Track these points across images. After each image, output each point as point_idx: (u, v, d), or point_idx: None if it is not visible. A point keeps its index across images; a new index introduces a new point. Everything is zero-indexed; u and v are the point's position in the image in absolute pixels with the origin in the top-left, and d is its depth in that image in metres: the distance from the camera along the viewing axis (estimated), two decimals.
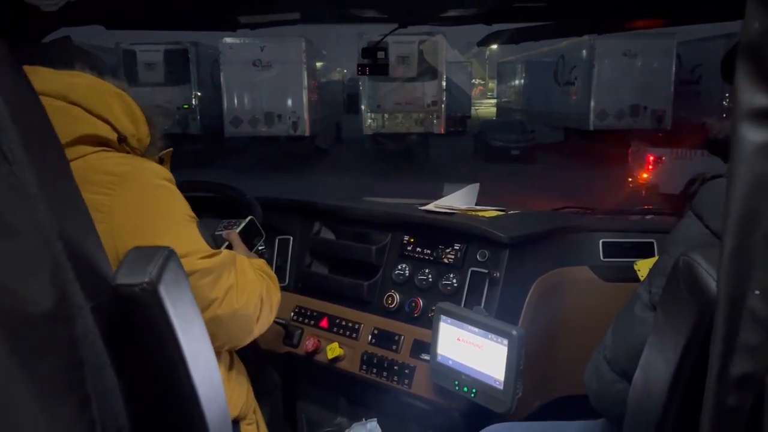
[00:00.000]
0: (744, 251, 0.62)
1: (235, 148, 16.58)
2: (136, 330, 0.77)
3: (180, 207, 1.19)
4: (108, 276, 0.73)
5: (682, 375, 0.78)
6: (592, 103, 15.75)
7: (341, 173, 13.04)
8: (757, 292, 0.62)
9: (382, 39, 2.25)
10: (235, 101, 15.69)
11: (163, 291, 0.76)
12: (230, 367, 1.39)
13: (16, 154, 0.53)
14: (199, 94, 16.16)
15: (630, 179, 11.06)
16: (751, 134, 0.61)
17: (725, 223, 0.63)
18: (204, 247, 1.19)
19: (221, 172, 12.42)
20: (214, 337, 1.13)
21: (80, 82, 1.15)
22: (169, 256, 0.79)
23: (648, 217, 2.60)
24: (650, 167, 10.43)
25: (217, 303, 1.17)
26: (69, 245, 0.58)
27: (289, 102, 15.69)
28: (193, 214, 1.23)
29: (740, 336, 0.63)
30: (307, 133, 15.96)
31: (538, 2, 1.72)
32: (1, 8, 1.00)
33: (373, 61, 2.20)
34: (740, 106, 0.61)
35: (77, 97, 1.11)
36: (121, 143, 1.20)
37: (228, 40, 15.08)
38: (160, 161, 1.30)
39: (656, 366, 0.85)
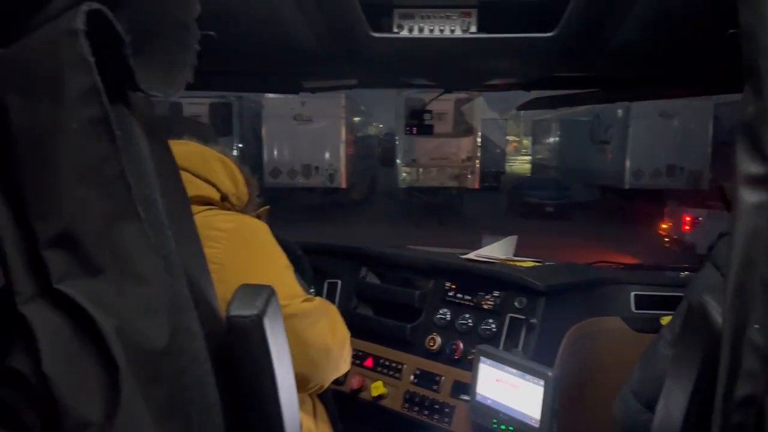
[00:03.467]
0: (744, 291, 0.75)
1: (274, 198, 16.97)
2: (240, 357, 0.89)
3: (280, 256, 1.34)
4: (217, 309, 0.87)
5: (696, 400, 0.90)
6: (628, 163, 15.73)
7: (376, 225, 13.23)
8: (756, 326, 0.75)
9: (429, 102, 2.45)
10: (275, 153, 16.15)
11: (267, 323, 0.89)
12: (314, 413, 1.50)
13: (151, 211, 0.64)
14: (240, 145, 16.70)
15: (666, 239, 10.97)
16: (748, 196, 0.75)
17: (729, 267, 0.77)
18: (303, 292, 1.32)
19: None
20: (307, 379, 1.27)
21: (188, 149, 1.32)
22: (271, 293, 0.94)
23: (683, 274, 2.68)
24: (687, 227, 10.36)
25: (313, 345, 1.28)
26: (190, 282, 0.69)
27: (327, 155, 16.08)
28: (289, 263, 1.36)
29: (742, 363, 0.75)
30: (343, 185, 16.28)
31: (575, 72, 1.90)
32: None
33: (420, 122, 2.40)
34: (739, 173, 0.76)
35: (186, 164, 1.25)
36: (224, 201, 1.36)
37: (271, 95, 15.62)
38: (258, 217, 1.44)
39: (675, 394, 0.98)
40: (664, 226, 11.28)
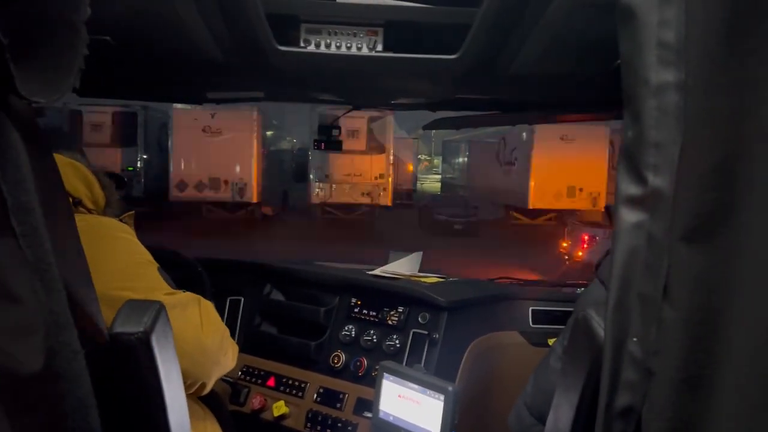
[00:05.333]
0: (623, 306, 0.79)
1: (179, 212, 16.41)
2: (124, 375, 0.85)
3: (141, 252, 1.31)
4: (101, 325, 0.81)
5: (582, 412, 0.94)
6: (531, 183, 16.49)
7: (287, 241, 13.07)
8: (634, 339, 0.79)
9: (337, 119, 2.46)
10: (182, 165, 15.67)
11: (154, 340, 0.85)
12: (204, 418, 1.46)
13: (28, 223, 0.59)
14: (145, 156, 16.09)
15: (566, 256, 11.53)
16: (626, 215, 0.79)
17: (610, 283, 0.80)
18: (167, 287, 1.29)
19: (166, 235, 12.23)
20: (186, 374, 1.23)
21: None
22: (160, 309, 0.90)
23: (579, 290, 2.81)
24: (585, 246, 10.94)
25: (184, 336, 1.25)
26: (71, 297, 0.65)
27: (237, 168, 15.80)
28: (153, 260, 1.33)
29: (622, 375, 0.79)
30: (254, 200, 16.03)
31: (477, 95, 1.97)
32: None
33: (328, 137, 2.40)
34: (619, 194, 0.80)
35: None
36: (77, 206, 1.33)
37: (179, 105, 15.14)
38: (121, 221, 1.41)
39: (563, 406, 1.01)
40: (564, 244, 11.85)
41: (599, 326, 0.89)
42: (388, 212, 17.69)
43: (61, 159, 1.33)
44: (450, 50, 1.55)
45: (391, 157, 16.53)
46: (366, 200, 16.54)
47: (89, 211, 1.36)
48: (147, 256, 1.32)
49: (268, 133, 18.42)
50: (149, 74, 1.83)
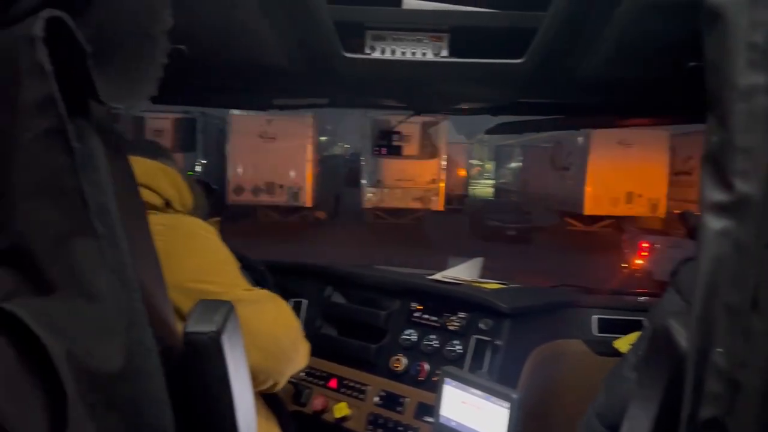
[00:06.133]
0: (708, 316, 0.77)
1: (235, 215, 16.81)
2: (195, 374, 0.87)
3: (223, 250, 1.36)
4: (173, 325, 0.84)
5: (660, 423, 0.92)
6: (587, 189, 16.12)
7: (340, 245, 13.20)
8: (719, 350, 0.77)
9: (398, 124, 2.48)
10: (240, 170, 16.05)
11: (225, 340, 0.87)
12: (268, 418, 1.49)
13: (107, 225, 0.60)
14: (204, 161, 16.54)
15: (624, 265, 11.22)
16: (712, 223, 0.77)
17: (695, 293, 0.79)
18: (246, 283, 1.35)
19: (225, 237, 12.52)
20: (259, 372, 1.26)
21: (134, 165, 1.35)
22: (231, 309, 0.91)
23: (641, 299, 2.75)
24: (644, 254, 10.62)
25: (261, 332, 1.28)
26: (146, 297, 0.66)
27: (292, 173, 16.06)
28: (234, 259, 1.38)
29: (706, 386, 0.77)
30: (307, 204, 16.26)
31: (541, 99, 1.95)
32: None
33: (389, 143, 2.42)
34: (704, 201, 0.78)
35: None
36: (168, 207, 1.40)
37: (236, 111, 15.51)
38: None
39: (638, 417, 0.99)
40: (623, 252, 11.53)
41: (680, 336, 0.87)
42: (440, 217, 17.62)
43: (154, 164, 1.41)
44: (514, 54, 1.54)
45: (444, 162, 16.47)
46: (418, 205, 16.53)
47: (177, 212, 1.43)
48: (229, 255, 1.37)
49: (322, 138, 18.67)
50: (219, 82, 1.89)
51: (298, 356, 1.44)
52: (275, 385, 1.39)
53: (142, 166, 1.38)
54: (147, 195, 1.34)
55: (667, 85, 1.78)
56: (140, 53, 0.63)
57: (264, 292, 1.37)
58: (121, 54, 0.62)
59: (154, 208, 1.37)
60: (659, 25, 1.34)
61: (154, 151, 1.49)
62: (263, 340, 1.29)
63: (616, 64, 1.56)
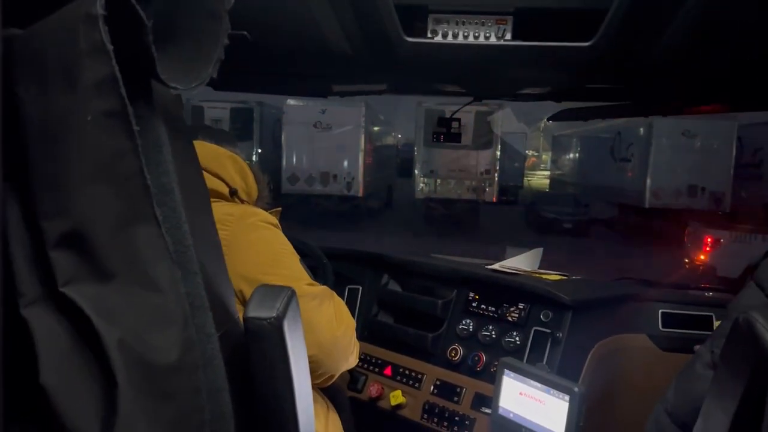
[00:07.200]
0: None
1: (290, 204, 17.07)
2: (256, 359, 0.86)
3: (287, 244, 1.37)
4: (234, 310, 0.83)
5: (741, 420, 0.87)
6: (648, 181, 15.59)
7: (392, 234, 13.23)
8: None
9: (456, 111, 2.44)
10: (294, 160, 16.25)
11: (286, 326, 0.86)
12: (327, 422, 1.48)
13: (169, 207, 0.60)
14: (260, 151, 16.82)
15: (686, 260, 10.82)
16: None
17: None
18: (308, 277, 1.35)
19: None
20: (317, 365, 1.26)
21: (199, 147, 1.36)
22: (291, 295, 0.90)
23: (708, 294, 2.64)
24: (707, 249, 10.20)
25: (321, 328, 1.29)
26: (207, 281, 0.66)
27: (345, 163, 16.14)
28: (295, 252, 1.39)
29: None
30: (360, 194, 16.33)
31: (609, 84, 1.88)
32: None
33: (448, 130, 2.39)
34: None
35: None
36: (233, 196, 1.41)
37: (291, 101, 15.67)
38: None
39: (715, 414, 0.94)
40: (685, 246, 11.12)
41: (765, 329, 0.82)
42: (494, 208, 17.40)
43: (222, 151, 1.42)
44: (581, 37, 1.48)
45: (498, 153, 16.24)
46: (471, 196, 16.36)
47: (242, 201, 1.44)
48: (291, 247, 1.38)
49: (375, 128, 18.68)
50: (278, 67, 1.90)
51: (352, 356, 1.45)
52: (330, 378, 1.40)
53: (209, 152, 1.39)
54: (214, 183, 1.35)
55: (740, 71, 1.69)
56: (204, 32, 0.61)
57: (324, 289, 1.37)
58: (182, 32, 0.60)
59: (220, 196, 1.37)
60: (735, 9, 1.28)
61: (220, 137, 1.49)
62: (322, 336, 1.30)
63: (688, 48, 1.49)
